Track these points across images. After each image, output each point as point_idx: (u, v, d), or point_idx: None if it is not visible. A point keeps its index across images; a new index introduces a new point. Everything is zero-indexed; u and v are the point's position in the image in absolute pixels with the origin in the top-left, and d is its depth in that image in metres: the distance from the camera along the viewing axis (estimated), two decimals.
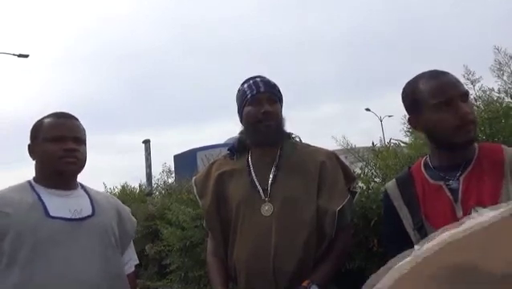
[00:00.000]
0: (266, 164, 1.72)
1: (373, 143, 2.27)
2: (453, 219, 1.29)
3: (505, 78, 2.24)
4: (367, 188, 2.17)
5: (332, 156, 1.75)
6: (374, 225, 2.01)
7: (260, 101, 1.69)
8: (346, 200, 1.66)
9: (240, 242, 1.67)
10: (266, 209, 1.64)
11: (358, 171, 2.33)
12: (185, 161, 8.15)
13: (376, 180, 2.31)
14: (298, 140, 1.84)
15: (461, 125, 1.27)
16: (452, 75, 1.34)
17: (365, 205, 2.14)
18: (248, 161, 1.76)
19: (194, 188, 1.88)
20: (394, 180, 1.56)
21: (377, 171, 2.20)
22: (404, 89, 1.42)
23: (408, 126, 2.53)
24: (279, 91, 1.74)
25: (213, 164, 1.88)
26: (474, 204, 1.24)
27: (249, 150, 1.79)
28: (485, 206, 1.22)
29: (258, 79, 1.71)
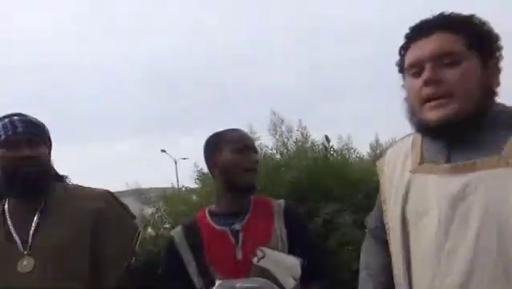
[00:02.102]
0: (28, 211, 1.48)
1: (164, 190, 2.30)
2: (234, 262, 1.42)
3: (277, 136, 2.68)
4: (157, 235, 2.16)
5: (109, 197, 1.62)
6: (162, 272, 1.97)
7: (17, 144, 1.45)
8: (134, 250, 1.59)
9: None
10: (25, 264, 1.39)
11: (148, 217, 2.31)
12: None
13: (166, 226, 2.33)
14: (70, 182, 1.66)
15: (250, 169, 1.49)
16: (246, 132, 1.60)
17: (153, 251, 2.10)
18: (4, 209, 1.48)
19: None
20: (180, 226, 1.61)
21: (167, 217, 2.22)
22: (209, 137, 1.58)
23: (199, 174, 2.71)
24: (45, 130, 1.55)
25: None
26: (251, 247, 1.40)
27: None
28: (269, 247, 1.41)
29: (15, 118, 1.47)
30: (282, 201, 1.57)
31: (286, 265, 1.33)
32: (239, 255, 1.43)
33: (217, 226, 1.50)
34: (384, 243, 1.19)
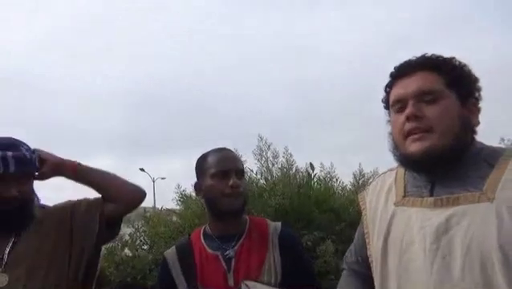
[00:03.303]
0: (5, 233, 1.46)
1: (145, 209, 2.25)
2: (226, 288, 1.38)
3: (262, 162, 2.69)
4: (134, 256, 2.10)
5: (74, 201, 1.58)
6: None
7: (7, 183, 1.39)
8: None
9: None
10: (0, 281, 1.37)
11: (127, 237, 2.25)
12: None
13: (144, 247, 2.27)
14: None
15: (230, 194, 1.43)
16: (235, 153, 1.54)
17: (130, 274, 2.05)
18: None
19: None
20: (174, 247, 1.57)
21: (146, 238, 2.17)
22: (197, 159, 1.56)
23: (181, 195, 2.68)
24: (35, 163, 1.50)
25: None
26: (243, 275, 1.37)
27: None
28: (255, 280, 1.37)
29: (8, 154, 1.41)
30: (279, 225, 1.53)
31: None
32: (231, 282, 1.40)
33: (209, 250, 1.46)
34: (363, 279, 1.18)
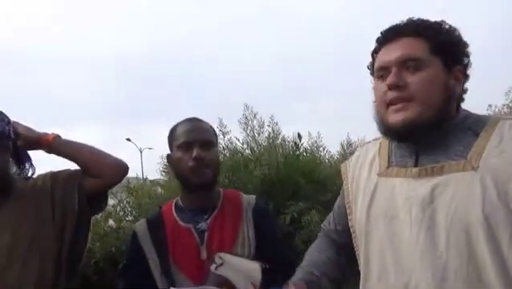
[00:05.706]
0: None
1: (129, 180, 2.21)
2: (198, 261, 1.36)
3: (248, 131, 2.64)
4: (118, 227, 2.08)
5: (53, 171, 1.53)
6: (124, 267, 1.90)
7: None
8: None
9: None
10: None
11: (110, 209, 2.22)
12: None
13: (129, 218, 2.25)
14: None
15: (195, 167, 1.38)
16: (203, 124, 1.47)
17: (116, 245, 2.03)
18: None
19: None
20: (144, 220, 1.53)
21: (130, 209, 2.14)
22: (170, 129, 1.50)
23: (165, 166, 2.65)
24: (9, 134, 1.43)
25: None
26: (216, 248, 1.35)
27: None
28: (229, 253, 1.35)
29: None
30: (252, 198, 1.50)
31: (245, 272, 1.27)
32: (204, 255, 1.37)
33: (182, 223, 1.42)
34: (337, 246, 1.17)
